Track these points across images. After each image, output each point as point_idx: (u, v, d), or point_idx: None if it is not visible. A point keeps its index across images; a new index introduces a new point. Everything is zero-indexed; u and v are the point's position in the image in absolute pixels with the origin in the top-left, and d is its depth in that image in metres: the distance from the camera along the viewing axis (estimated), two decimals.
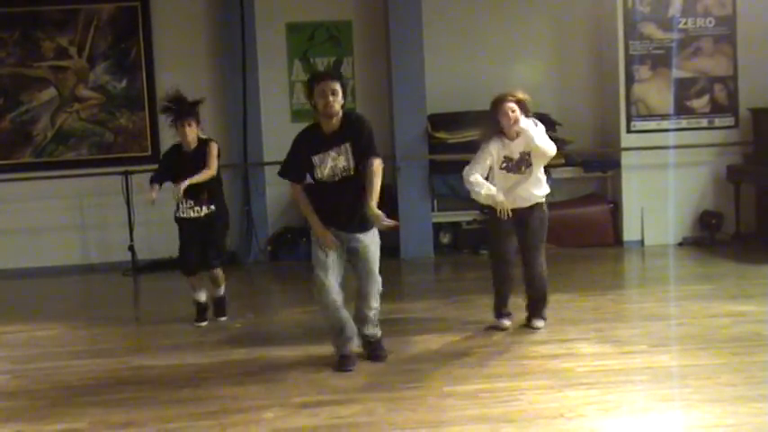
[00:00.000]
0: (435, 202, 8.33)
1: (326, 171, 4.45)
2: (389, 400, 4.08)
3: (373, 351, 4.71)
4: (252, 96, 8.28)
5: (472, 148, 8.09)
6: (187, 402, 4.19)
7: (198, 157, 5.59)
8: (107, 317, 6.24)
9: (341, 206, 4.47)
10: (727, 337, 4.89)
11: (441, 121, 8.27)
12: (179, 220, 5.73)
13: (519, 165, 5.08)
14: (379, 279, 4.63)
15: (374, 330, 4.73)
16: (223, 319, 5.90)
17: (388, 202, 8.28)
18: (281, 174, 4.66)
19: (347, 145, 4.43)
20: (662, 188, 8.15)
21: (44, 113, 8.39)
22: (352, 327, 4.63)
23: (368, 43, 8.60)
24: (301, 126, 8.37)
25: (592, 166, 8.50)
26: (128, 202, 7.98)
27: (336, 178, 4.46)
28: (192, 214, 5.66)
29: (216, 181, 5.71)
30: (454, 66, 8.50)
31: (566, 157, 8.35)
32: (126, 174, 8.05)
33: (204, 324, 5.77)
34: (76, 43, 8.36)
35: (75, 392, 4.44)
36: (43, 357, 5.16)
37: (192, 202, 5.63)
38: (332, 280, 4.48)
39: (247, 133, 8.29)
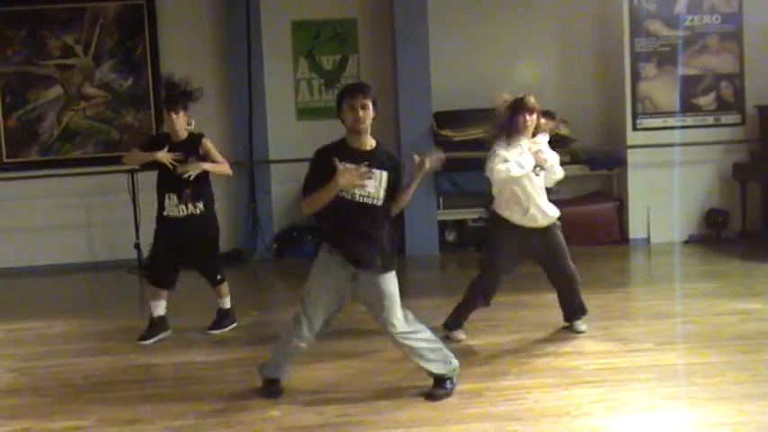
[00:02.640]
0: (440, 199, 8.33)
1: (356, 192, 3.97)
2: (395, 398, 4.08)
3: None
4: (257, 94, 8.29)
5: (477, 145, 8.18)
6: (193, 400, 4.20)
7: (188, 152, 5.17)
8: (113, 314, 6.26)
9: (358, 232, 3.96)
10: (734, 335, 4.88)
11: (446, 118, 8.26)
12: (162, 221, 5.24)
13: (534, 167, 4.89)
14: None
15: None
16: (216, 332, 5.43)
17: None
18: (305, 193, 4.06)
19: (383, 174, 4.00)
20: (668, 186, 8.13)
21: (50, 111, 8.41)
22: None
23: (373, 41, 8.60)
24: (307, 124, 8.62)
25: (598, 163, 8.49)
26: (134, 200, 7.99)
27: (358, 199, 3.96)
28: (179, 213, 5.18)
29: (206, 184, 5.28)
30: (460, 64, 8.50)
31: (571, 154, 8.34)
32: (132, 172, 8.06)
33: (148, 342, 5.22)
34: (82, 41, 8.38)
35: (81, 390, 4.46)
36: (50, 355, 5.17)
37: (176, 198, 5.17)
38: (316, 324, 4.06)
39: (253, 131, 8.30)
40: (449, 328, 5.07)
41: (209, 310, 6.05)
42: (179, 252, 5.27)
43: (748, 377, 4.13)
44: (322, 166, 4.02)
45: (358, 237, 3.95)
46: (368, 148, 4.06)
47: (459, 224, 8.43)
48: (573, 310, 5.07)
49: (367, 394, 4.15)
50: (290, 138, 8.47)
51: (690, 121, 8.19)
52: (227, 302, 5.55)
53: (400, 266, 7.95)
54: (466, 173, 8.18)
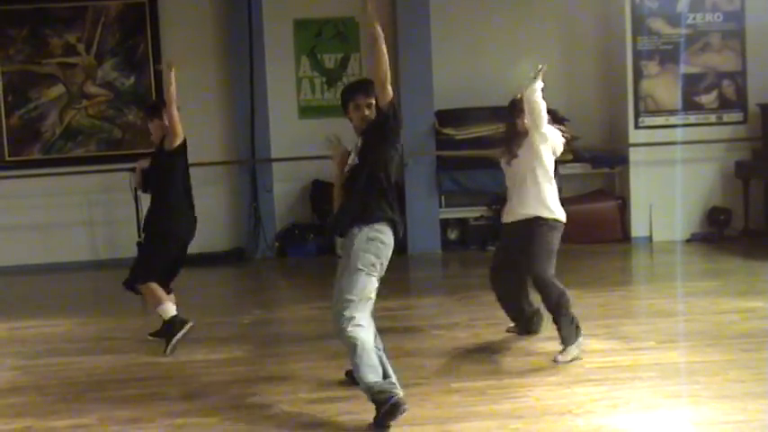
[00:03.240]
0: (443, 198, 8.33)
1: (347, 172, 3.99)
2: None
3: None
4: (259, 93, 8.29)
5: (479, 144, 8.18)
6: (195, 398, 4.20)
7: (160, 151, 5.11)
8: (115, 313, 6.26)
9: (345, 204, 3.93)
10: (736, 334, 4.88)
11: (448, 117, 8.26)
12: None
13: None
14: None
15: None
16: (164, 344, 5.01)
17: (395, 198, 8.32)
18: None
19: (358, 141, 3.98)
20: (670, 184, 8.12)
21: (52, 110, 8.42)
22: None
23: None
24: (309, 122, 8.61)
25: (600, 162, 8.47)
26: (135, 199, 7.98)
27: (347, 175, 3.99)
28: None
29: (164, 170, 5.10)
30: (461, 62, 8.49)
31: (574, 153, 8.32)
32: (133, 170, 8.06)
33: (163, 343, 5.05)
34: (84, 40, 8.38)
35: (83, 388, 4.46)
36: (52, 353, 5.18)
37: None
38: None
39: (255, 129, 8.30)
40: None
41: (211, 309, 6.06)
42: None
43: (750, 375, 4.12)
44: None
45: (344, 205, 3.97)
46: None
47: (462, 222, 8.42)
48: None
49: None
50: (292, 136, 8.47)
51: (692, 119, 8.17)
52: (159, 311, 5.12)
53: (403, 264, 8.00)
54: (468, 171, 8.18)
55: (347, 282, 3.72)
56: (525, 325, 4.99)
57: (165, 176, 5.10)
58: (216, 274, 7.74)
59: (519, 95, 4.76)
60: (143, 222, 5.30)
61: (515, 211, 4.73)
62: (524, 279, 4.85)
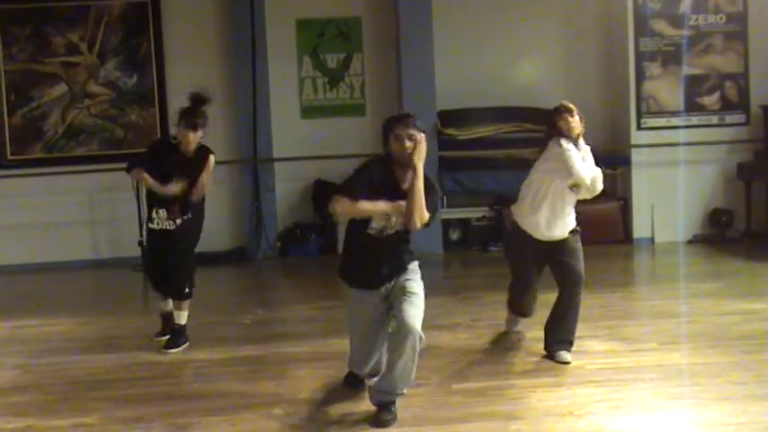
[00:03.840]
0: (444, 198, 8.32)
1: (381, 224, 3.89)
2: (398, 397, 4.07)
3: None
4: (261, 92, 8.29)
5: (482, 144, 8.18)
6: (196, 398, 4.21)
7: (194, 165, 5.01)
8: (117, 312, 6.27)
9: (379, 261, 3.92)
10: (738, 335, 4.87)
11: (450, 117, 8.26)
12: (151, 231, 5.14)
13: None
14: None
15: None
16: (173, 350, 5.03)
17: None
18: (342, 191, 3.80)
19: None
20: (672, 185, 8.12)
21: (55, 109, 8.42)
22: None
23: (378, 39, 8.59)
24: (311, 122, 8.61)
25: (601, 163, 8.39)
26: (138, 198, 7.99)
27: (385, 234, 3.93)
28: (165, 226, 5.06)
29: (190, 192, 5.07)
30: (464, 62, 8.49)
31: None
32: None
33: (165, 339, 5.16)
34: (87, 39, 8.38)
35: (84, 387, 4.46)
36: (53, 352, 5.18)
37: (164, 212, 5.04)
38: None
39: (257, 129, 8.30)
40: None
41: (212, 309, 6.06)
42: (167, 254, 5.13)
43: (752, 377, 4.12)
44: (369, 179, 3.83)
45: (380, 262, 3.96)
46: (405, 184, 3.82)
47: (463, 223, 8.42)
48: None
49: (365, 394, 4.14)
50: (294, 136, 8.47)
51: (694, 120, 8.17)
52: (183, 318, 5.18)
53: None
54: (470, 171, 8.19)
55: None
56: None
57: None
58: (217, 273, 7.75)
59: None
60: (177, 230, 5.06)
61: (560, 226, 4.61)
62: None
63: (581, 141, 4.65)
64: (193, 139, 5.00)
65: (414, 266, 4.06)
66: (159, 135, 8.41)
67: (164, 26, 8.40)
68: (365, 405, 3.96)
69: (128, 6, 8.37)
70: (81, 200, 8.38)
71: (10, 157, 8.38)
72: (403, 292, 3.89)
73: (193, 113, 5.00)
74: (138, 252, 8.02)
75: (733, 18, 8.15)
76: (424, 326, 5.44)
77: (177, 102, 8.29)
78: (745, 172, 8.09)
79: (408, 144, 3.82)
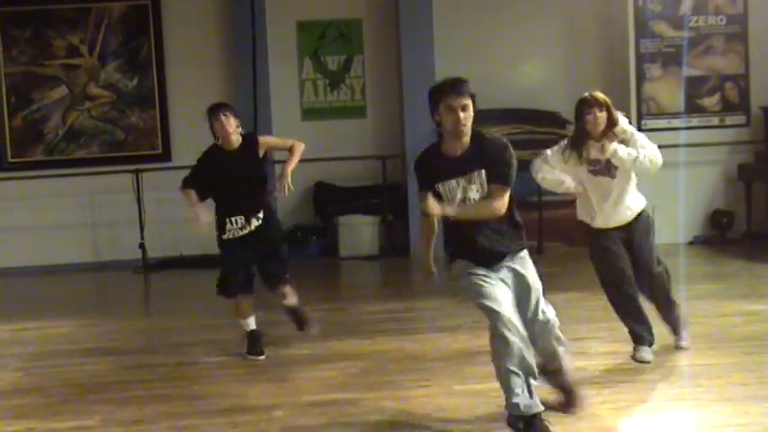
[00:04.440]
0: None
1: (458, 198, 3.54)
2: (399, 399, 4.07)
3: None
4: (262, 94, 8.29)
5: None
6: (198, 400, 4.20)
7: (246, 158, 4.71)
8: (118, 314, 6.26)
9: (480, 245, 3.53)
10: (739, 337, 4.87)
11: None
12: (226, 242, 4.80)
13: (609, 168, 4.41)
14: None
15: None
16: (313, 330, 4.98)
17: (398, 199, 8.34)
18: (421, 208, 3.56)
19: (481, 173, 3.49)
20: (673, 187, 8.10)
21: (55, 111, 8.43)
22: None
23: (378, 41, 8.60)
24: (312, 124, 8.61)
25: None
26: (138, 200, 8.00)
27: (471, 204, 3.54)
28: (242, 233, 4.77)
29: (262, 184, 4.87)
30: (465, 64, 8.44)
31: None
32: (137, 172, 8.08)
33: (262, 357, 4.87)
34: (87, 42, 8.39)
35: (85, 389, 4.46)
36: (54, 355, 5.18)
37: (241, 220, 4.73)
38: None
39: (258, 131, 8.29)
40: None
41: (213, 311, 6.04)
42: (251, 255, 4.85)
43: (753, 379, 4.12)
44: (425, 182, 3.63)
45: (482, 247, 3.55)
46: (458, 152, 3.51)
47: None
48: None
49: (370, 395, 4.15)
50: (295, 138, 8.40)
51: (695, 122, 8.17)
52: (294, 299, 5.04)
53: (405, 266, 8.00)
54: None
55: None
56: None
57: (266, 178, 4.98)
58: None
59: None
60: (255, 226, 4.78)
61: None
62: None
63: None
64: (228, 125, 4.68)
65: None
66: (160, 137, 8.42)
67: (164, 28, 8.41)
68: (366, 407, 3.96)
69: (128, 9, 8.38)
70: (81, 202, 8.38)
71: (10, 160, 8.39)
72: None
73: (220, 102, 4.81)
74: (138, 254, 8.03)
75: (733, 19, 8.15)
76: (426, 328, 5.45)
77: (178, 104, 8.41)
78: (745, 173, 8.08)
79: (463, 115, 3.44)
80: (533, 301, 3.61)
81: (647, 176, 4.55)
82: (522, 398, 3.43)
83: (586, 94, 4.55)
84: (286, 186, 4.70)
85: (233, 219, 4.72)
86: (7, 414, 4.12)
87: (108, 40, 8.40)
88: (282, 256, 4.92)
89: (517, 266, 3.59)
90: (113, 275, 8.02)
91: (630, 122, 4.72)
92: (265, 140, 4.90)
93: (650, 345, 4.48)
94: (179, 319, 5.96)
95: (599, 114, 4.42)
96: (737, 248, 7.74)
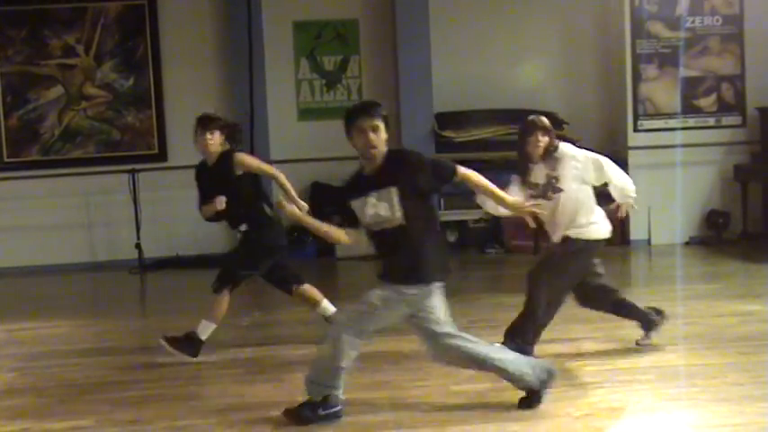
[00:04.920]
0: (442, 200, 8.32)
1: (366, 220, 3.69)
2: (396, 399, 4.08)
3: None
4: (259, 95, 8.28)
5: (479, 146, 8.17)
6: (194, 400, 4.20)
7: (220, 174, 4.89)
8: (114, 314, 6.25)
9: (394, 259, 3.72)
10: (735, 337, 4.88)
11: (448, 119, 8.27)
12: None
13: (545, 190, 4.55)
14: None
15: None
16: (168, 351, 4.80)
17: None
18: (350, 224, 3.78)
19: (391, 190, 3.60)
20: (669, 187, 8.12)
21: (51, 111, 8.41)
22: None
23: (375, 42, 8.60)
24: (308, 124, 8.61)
25: None
26: (134, 200, 7.99)
27: (377, 228, 3.70)
28: (238, 236, 5.09)
29: (249, 195, 5.02)
30: (461, 64, 8.50)
31: None
32: (133, 172, 8.07)
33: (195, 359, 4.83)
34: (83, 41, 8.38)
35: (81, 390, 4.45)
36: (50, 355, 5.17)
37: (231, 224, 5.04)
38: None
39: (254, 132, 8.28)
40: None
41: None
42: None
43: (749, 378, 4.12)
44: (343, 200, 3.79)
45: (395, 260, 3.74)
46: (374, 171, 3.67)
47: (460, 225, 8.43)
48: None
49: (368, 396, 4.14)
50: (292, 138, 8.47)
51: (691, 122, 8.19)
52: (206, 325, 4.93)
53: None
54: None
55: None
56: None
57: (256, 190, 5.17)
58: (215, 276, 7.73)
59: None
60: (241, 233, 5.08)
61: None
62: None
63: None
64: (205, 141, 4.83)
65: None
66: (156, 137, 8.42)
67: (160, 28, 8.40)
68: (363, 408, 3.95)
69: (124, 8, 8.37)
70: (78, 202, 8.37)
71: (6, 160, 8.38)
72: None
73: (205, 116, 4.93)
74: (134, 254, 8.02)
75: (729, 20, 8.17)
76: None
77: (174, 104, 8.41)
78: (741, 173, 8.10)
79: (373, 136, 3.61)
80: None
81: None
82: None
83: (531, 117, 4.64)
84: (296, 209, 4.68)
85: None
86: (2, 414, 4.11)
87: (104, 39, 8.39)
88: (230, 262, 5.06)
89: None
90: (109, 275, 8.01)
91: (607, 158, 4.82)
92: (242, 160, 4.93)
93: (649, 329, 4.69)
94: (175, 319, 5.94)
95: (541, 138, 4.54)
96: (733, 249, 7.75)
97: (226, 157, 4.92)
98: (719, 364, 4.38)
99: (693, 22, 8.15)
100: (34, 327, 5.96)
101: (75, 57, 8.39)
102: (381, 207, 3.63)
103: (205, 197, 4.97)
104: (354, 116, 3.67)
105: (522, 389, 3.86)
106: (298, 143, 8.41)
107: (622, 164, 8.22)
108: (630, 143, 8.21)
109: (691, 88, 8.17)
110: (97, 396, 4.34)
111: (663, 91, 8.18)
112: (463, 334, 3.84)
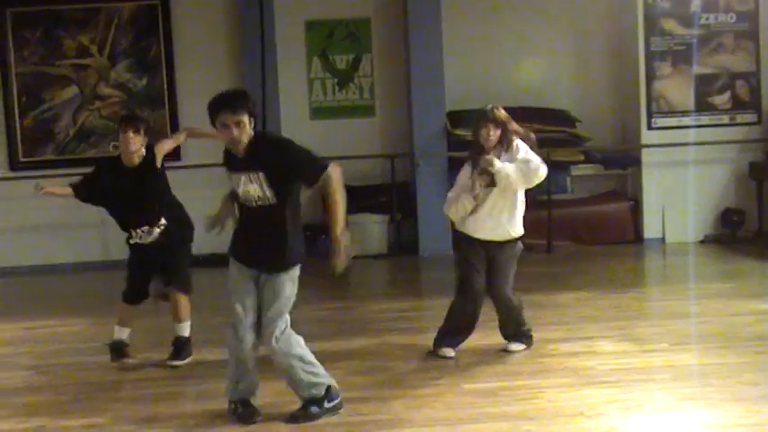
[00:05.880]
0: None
1: (241, 195, 3.78)
2: (409, 398, 4.08)
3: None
4: (271, 93, 8.30)
5: None
6: (207, 398, 4.22)
7: (140, 176, 4.68)
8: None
9: (257, 239, 3.81)
10: (750, 336, 4.85)
11: (459, 118, 8.24)
12: (131, 246, 4.89)
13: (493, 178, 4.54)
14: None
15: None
16: (178, 363, 4.79)
17: (407, 198, 8.34)
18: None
19: (260, 174, 3.67)
20: (683, 185, 8.08)
21: (66, 111, 8.46)
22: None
23: (387, 40, 8.59)
24: (321, 123, 8.61)
25: (612, 163, 8.45)
26: None
27: (252, 204, 3.76)
28: (148, 239, 4.79)
29: (161, 192, 4.86)
30: (473, 62, 8.48)
31: (585, 154, 8.31)
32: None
33: (122, 362, 4.84)
34: (97, 41, 8.42)
35: (97, 388, 4.49)
36: (66, 353, 5.21)
37: (143, 229, 4.77)
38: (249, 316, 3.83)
39: (266, 130, 8.32)
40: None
41: (222, 310, 6.05)
42: (153, 265, 4.93)
43: (764, 378, 4.10)
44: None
45: (256, 239, 3.82)
46: (242, 154, 3.71)
47: None
48: (505, 334, 4.85)
49: (380, 394, 4.15)
50: (304, 137, 8.36)
51: (705, 120, 8.13)
52: (185, 328, 4.92)
53: (414, 266, 7.99)
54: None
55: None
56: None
57: (166, 183, 5.01)
58: (226, 274, 7.76)
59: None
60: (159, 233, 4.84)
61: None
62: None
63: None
64: (131, 141, 4.64)
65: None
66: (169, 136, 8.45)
67: (173, 28, 8.43)
68: (376, 406, 3.96)
69: (138, 8, 8.41)
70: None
71: (22, 159, 8.43)
72: None
73: (132, 115, 4.76)
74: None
75: (744, 17, 8.10)
76: (435, 327, 5.46)
77: (187, 103, 8.44)
78: (756, 171, 8.04)
79: (236, 132, 3.61)
80: None
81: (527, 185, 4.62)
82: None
83: (489, 106, 4.64)
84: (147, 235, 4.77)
85: (136, 230, 4.80)
86: (19, 412, 4.15)
87: (118, 39, 8.43)
88: (180, 267, 4.95)
89: None
90: (124, 274, 8.00)
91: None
92: (159, 149, 4.80)
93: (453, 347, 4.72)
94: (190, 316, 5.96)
95: (492, 131, 4.54)
96: (749, 247, 7.70)
97: (148, 152, 4.73)
98: (734, 363, 4.36)
99: (707, 18, 8.10)
100: (51, 325, 6.00)
101: (89, 57, 8.44)
102: (251, 187, 3.71)
103: (119, 202, 4.75)
104: (217, 110, 3.65)
105: (302, 398, 3.85)
106: (310, 142, 8.30)
107: (636, 162, 8.27)
108: (644, 141, 8.17)
109: (705, 85, 8.12)
110: (112, 394, 4.37)
111: (676, 88, 8.14)
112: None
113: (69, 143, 8.48)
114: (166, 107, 8.46)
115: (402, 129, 8.49)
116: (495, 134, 4.56)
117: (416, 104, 8.16)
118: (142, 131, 4.68)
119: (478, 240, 4.63)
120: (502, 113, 4.59)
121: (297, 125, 8.54)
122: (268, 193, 3.70)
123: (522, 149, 4.59)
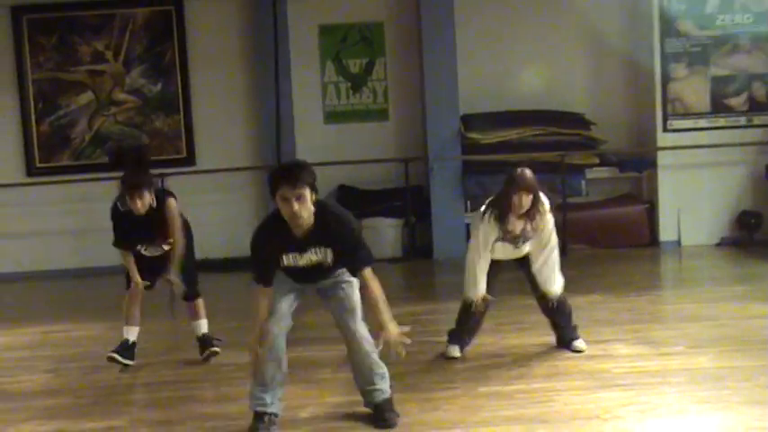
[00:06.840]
0: (468, 202, 8.31)
1: (300, 264, 3.77)
2: (424, 401, 4.09)
3: None
4: (285, 98, 8.33)
5: (505, 148, 8.15)
6: (225, 401, 4.24)
7: (152, 218, 4.87)
8: (144, 316, 6.28)
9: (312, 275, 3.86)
10: (766, 339, 4.82)
11: (474, 121, 8.25)
12: (137, 255, 5.13)
13: (516, 240, 4.59)
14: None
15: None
16: (215, 349, 4.99)
17: (421, 202, 8.34)
18: (256, 280, 3.82)
19: (326, 249, 3.70)
20: (699, 188, 8.04)
21: (82, 117, 8.54)
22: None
23: (400, 44, 8.61)
24: (334, 127, 8.64)
25: (627, 165, 8.42)
26: None
27: (309, 265, 3.79)
28: (155, 253, 5.06)
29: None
30: (487, 66, 8.47)
31: (600, 157, 8.29)
32: (162, 176, 8.14)
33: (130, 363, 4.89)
34: (112, 47, 8.49)
35: (115, 391, 4.53)
36: (84, 356, 5.25)
37: (154, 247, 5.04)
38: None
39: (280, 135, 8.34)
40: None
41: (238, 314, 6.09)
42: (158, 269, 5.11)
43: None
44: (263, 257, 3.75)
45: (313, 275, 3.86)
46: (302, 234, 3.63)
47: None
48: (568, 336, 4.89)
49: (395, 397, 4.15)
50: (318, 141, 8.51)
51: (721, 122, 8.09)
52: (204, 325, 5.10)
53: (428, 269, 7.97)
54: (493, 175, 8.14)
55: None
56: None
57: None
58: (242, 278, 7.78)
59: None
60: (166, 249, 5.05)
61: None
62: None
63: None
64: (140, 205, 4.76)
65: None
66: (184, 142, 8.50)
67: (188, 33, 8.48)
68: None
69: (152, 14, 8.47)
70: (108, 206, 8.43)
71: (38, 165, 8.51)
72: None
73: (136, 183, 4.77)
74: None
75: (761, 18, 8.05)
76: (449, 330, 5.45)
77: (202, 108, 8.49)
78: None
79: (297, 206, 3.51)
80: None
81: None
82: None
83: (518, 171, 4.52)
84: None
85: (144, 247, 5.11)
86: (38, 414, 4.18)
87: (132, 45, 8.49)
88: (191, 271, 5.15)
89: None
90: None
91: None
92: (170, 210, 4.94)
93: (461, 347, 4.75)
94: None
95: (525, 198, 4.45)
96: (765, 250, 7.64)
97: (158, 198, 4.87)
98: (750, 366, 4.33)
99: (724, 20, 8.06)
100: (67, 329, 6.05)
101: (104, 63, 8.51)
102: (314, 257, 3.72)
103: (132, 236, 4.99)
104: (277, 184, 3.55)
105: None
106: (324, 146, 8.44)
107: (651, 164, 8.24)
108: (660, 143, 8.14)
109: (721, 87, 8.08)
110: (129, 397, 4.41)
111: (692, 90, 8.09)
112: None
113: (85, 149, 8.55)
114: (181, 112, 8.52)
115: (416, 132, 8.50)
116: (527, 201, 4.44)
117: (430, 108, 8.17)
118: (147, 192, 4.77)
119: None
120: (532, 177, 4.46)
121: (311, 129, 8.57)
122: (329, 259, 3.73)
123: (550, 224, 4.56)
